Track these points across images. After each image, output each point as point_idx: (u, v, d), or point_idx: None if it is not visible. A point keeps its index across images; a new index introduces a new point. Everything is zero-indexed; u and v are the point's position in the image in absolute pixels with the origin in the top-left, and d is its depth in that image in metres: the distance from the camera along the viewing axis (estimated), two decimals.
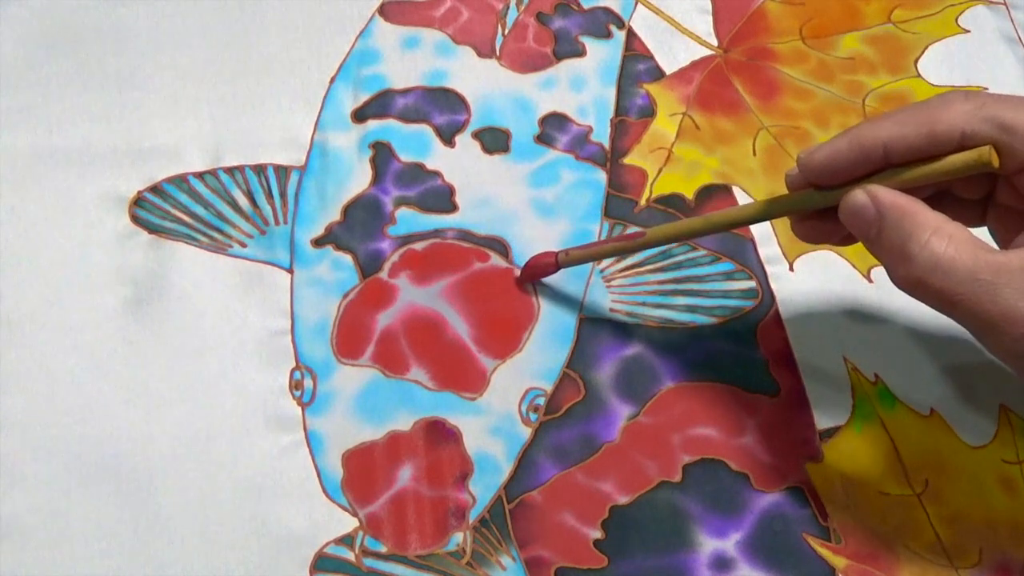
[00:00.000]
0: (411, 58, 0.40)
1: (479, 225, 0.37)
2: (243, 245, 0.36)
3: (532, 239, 0.37)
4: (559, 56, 0.41)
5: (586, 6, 0.42)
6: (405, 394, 0.34)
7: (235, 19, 0.40)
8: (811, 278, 0.37)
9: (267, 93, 0.39)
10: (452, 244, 0.37)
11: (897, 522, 0.33)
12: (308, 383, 0.34)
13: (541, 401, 0.35)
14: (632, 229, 0.37)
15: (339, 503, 0.33)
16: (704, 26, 0.42)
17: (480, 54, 0.40)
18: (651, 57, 0.41)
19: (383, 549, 0.32)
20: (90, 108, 0.38)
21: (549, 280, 0.36)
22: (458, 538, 0.32)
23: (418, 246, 0.36)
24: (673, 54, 0.41)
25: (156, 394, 0.34)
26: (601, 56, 0.41)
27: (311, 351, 0.35)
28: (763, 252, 0.37)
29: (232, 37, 0.40)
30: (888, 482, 0.34)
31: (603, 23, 0.42)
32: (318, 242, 0.36)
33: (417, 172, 0.38)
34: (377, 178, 0.37)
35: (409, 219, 0.37)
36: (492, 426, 0.34)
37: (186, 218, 0.36)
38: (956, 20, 0.43)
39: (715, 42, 0.42)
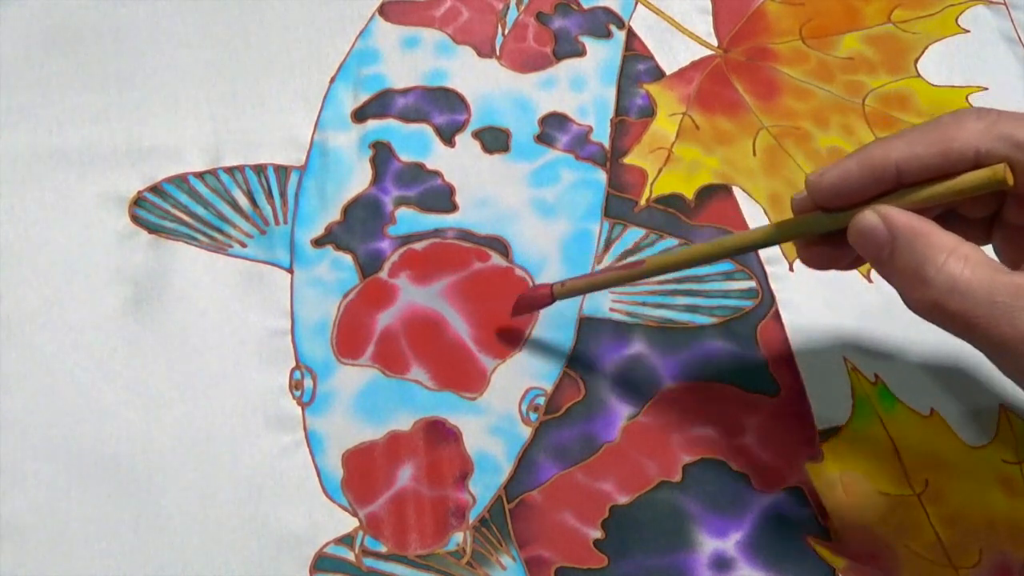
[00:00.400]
0: (411, 58, 0.40)
1: (479, 225, 0.37)
2: (243, 245, 0.36)
3: (532, 239, 0.37)
4: (559, 56, 0.41)
5: (586, 6, 0.42)
6: (405, 394, 0.34)
7: (235, 19, 0.40)
8: (811, 278, 0.37)
9: (267, 93, 0.39)
10: (452, 244, 0.37)
11: (897, 522, 0.33)
12: (308, 383, 0.34)
13: (541, 401, 0.35)
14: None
15: (339, 503, 0.33)
16: (704, 26, 0.42)
17: (480, 54, 0.40)
18: (651, 57, 0.41)
19: (383, 549, 0.32)
20: (90, 108, 0.38)
21: (548, 279, 0.36)
22: (458, 538, 0.32)
23: (418, 246, 0.36)
24: (673, 54, 0.41)
25: (156, 394, 0.34)
26: (601, 56, 0.41)
27: (311, 351, 0.35)
28: (763, 252, 0.37)
29: (232, 37, 0.40)
30: (888, 482, 0.34)
31: (603, 23, 0.42)
32: (318, 242, 0.36)
33: (417, 172, 0.38)
34: (377, 178, 0.37)
35: (409, 219, 0.37)
36: (492, 426, 0.34)
37: (186, 218, 0.36)
38: (956, 20, 0.43)
39: (715, 42, 0.42)
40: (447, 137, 0.39)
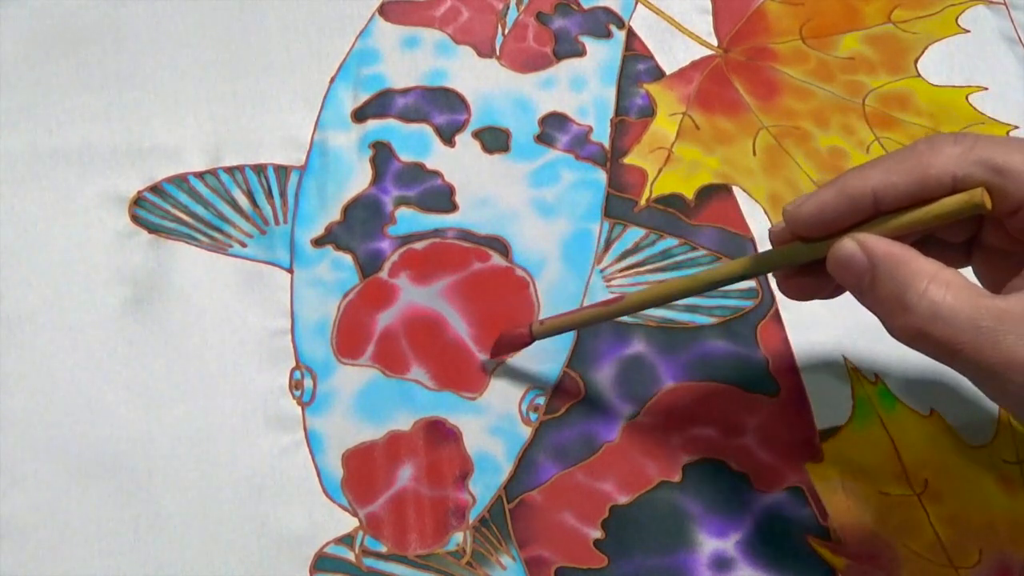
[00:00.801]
0: (411, 58, 0.40)
1: (479, 225, 0.37)
2: (243, 245, 0.36)
3: (532, 239, 0.37)
4: (559, 56, 0.41)
5: (586, 6, 0.42)
6: (405, 394, 0.34)
7: (235, 19, 0.40)
8: None
9: (267, 93, 0.39)
10: (452, 244, 0.37)
11: (897, 522, 0.33)
12: (308, 383, 0.34)
13: (541, 401, 0.35)
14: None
15: (339, 503, 0.33)
16: (704, 26, 0.42)
17: (480, 54, 0.40)
18: (651, 57, 0.41)
19: (383, 549, 0.32)
20: (90, 108, 0.38)
21: (549, 280, 0.36)
22: (458, 538, 0.32)
23: (418, 246, 0.36)
24: (673, 54, 0.41)
25: (156, 394, 0.34)
26: (601, 56, 0.41)
27: (311, 351, 0.35)
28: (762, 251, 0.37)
29: (232, 37, 0.40)
30: (888, 482, 0.34)
31: (603, 23, 0.42)
32: (318, 242, 0.36)
33: (417, 172, 0.38)
34: (377, 178, 0.37)
35: (409, 219, 0.37)
36: (492, 426, 0.34)
37: (186, 218, 0.36)
38: (956, 20, 0.43)
39: (715, 42, 0.42)
40: (447, 137, 0.39)
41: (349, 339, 0.35)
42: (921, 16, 0.43)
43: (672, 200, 0.38)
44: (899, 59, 0.42)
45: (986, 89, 0.41)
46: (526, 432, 0.34)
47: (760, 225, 0.38)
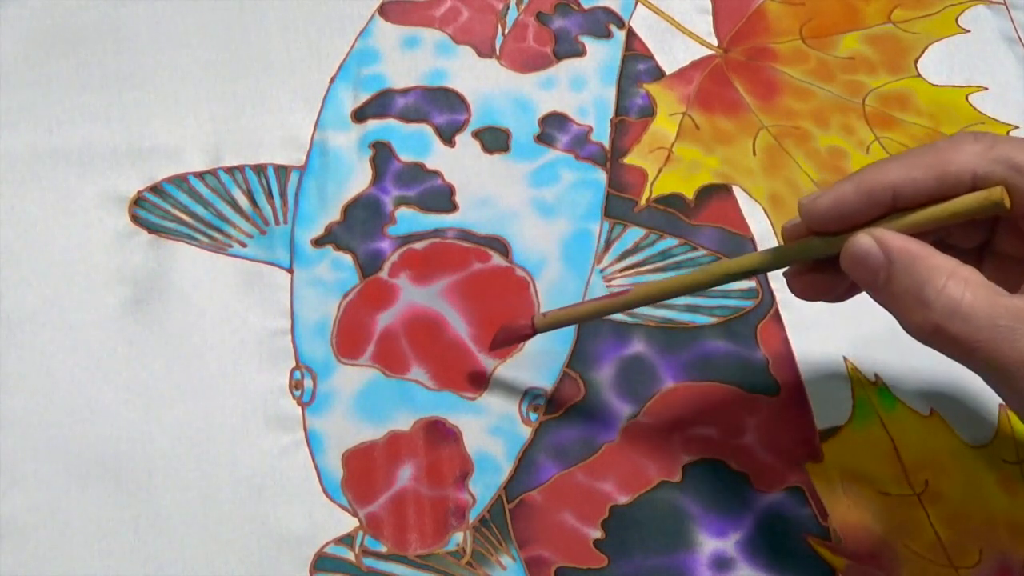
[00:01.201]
0: (411, 58, 0.40)
1: (479, 225, 0.37)
2: (243, 245, 0.36)
3: (532, 239, 0.37)
4: (559, 56, 0.41)
5: (586, 6, 0.42)
6: (405, 394, 0.34)
7: (235, 19, 0.40)
8: None
9: (267, 93, 0.39)
10: (452, 244, 0.37)
11: (897, 522, 0.33)
12: (308, 383, 0.34)
13: (541, 401, 0.35)
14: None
15: (339, 503, 0.33)
16: (704, 26, 0.42)
17: (480, 54, 0.40)
18: (651, 57, 0.41)
19: (383, 549, 0.32)
20: (90, 108, 0.38)
21: (549, 280, 0.36)
22: (458, 538, 0.32)
23: (418, 246, 0.36)
24: (673, 54, 0.41)
25: (156, 394, 0.34)
26: (601, 56, 0.41)
27: (311, 351, 0.35)
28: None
29: (232, 37, 0.40)
30: (888, 482, 0.34)
31: (603, 23, 0.42)
32: (318, 242, 0.36)
33: (417, 172, 0.38)
34: (377, 178, 0.37)
35: (409, 219, 0.37)
36: (492, 426, 0.34)
37: (186, 218, 0.36)
38: (956, 20, 0.43)
39: (715, 42, 0.42)
40: (447, 137, 0.39)
41: (349, 339, 0.35)
42: (921, 16, 0.43)
43: (672, 200, 0.38)
44: (899, 59, 0.42)
45: (986, 89, 0.41)
46: (526, 432, 0.34)
47: (760, 225, 0.38)
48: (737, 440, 0.34)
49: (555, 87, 0.40)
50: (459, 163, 0.38)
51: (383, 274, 0.36)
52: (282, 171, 0.37)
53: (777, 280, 0.37)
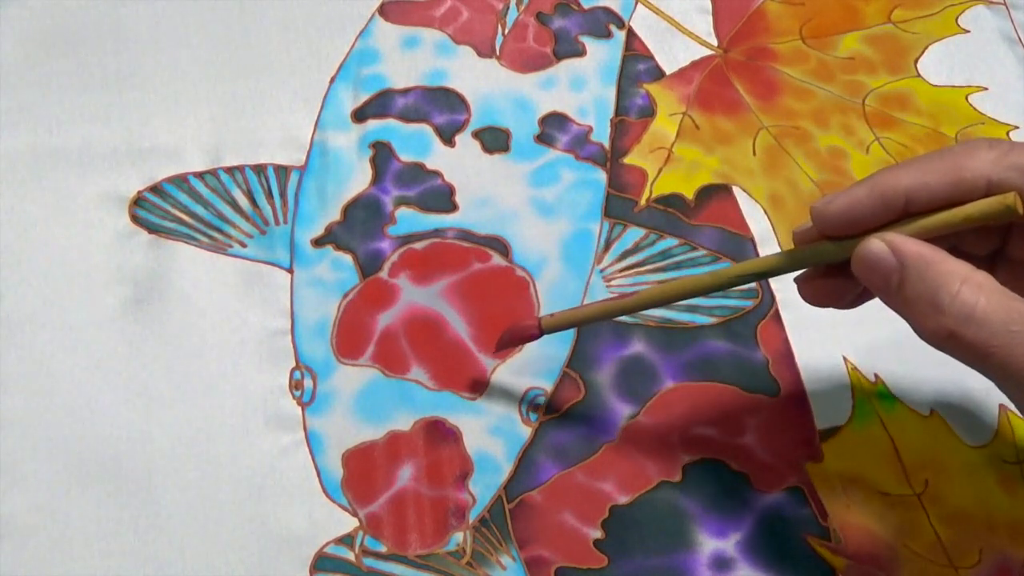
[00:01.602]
0: (411, 58, 0.40)
1: (479, 225, 0.37)
2: (243, 245, 0.36)
3: (532, 239, 0.37)
4: (559, 56, 0.41)
5: (586, 6, 0.42)
6: (405, 394, 0.34)
7: (235, 19, 0.40)
8: None
9: (267, 93, 0.39)
10: (452, 244, 0.37)
11: (897, 522, 0.33)
12: (308, 383, 0.34)
13: (541, 401, 0.35)
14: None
15: (339, 503, 0.33)
16: (704, 26, 0.42)
17: (480, 54, 0.40)
18: (651, 57, 0.41)
19: (383, 549, 0.32)
20: (90, 108, 0.38)
21: (549, 280, 0.36)
22: (458, 538, 0.32)
23: (418, 246, 0.36)
24: (673, 54, 0.41)
25: (156, 394, 0.34)
26: (601, 56, 0.41)
27: (311, 351, 0.35)
28: (763, 252, 0.37)
29: (232, 37, 0.40)
30: (888, 482, 0.34)
31: (603, 23, 0.42)
32: (318, 242, 0.36)
33: (417, 172, 0.38)
34: (377, 178, 0.37)
35: (409, 219, 0.37)
36: (492, 426, 0.34)
37: (186, 218, 0.36)
38: (956, 20, 0.43)
39: (715, 42, 0.42)
40: (447, 137, 0.39)
41: (349, 339, 0.35)
42: (921, 16, 0.43)
43: (672, 200, 0.38)
44: (899, 59, 0.42)
45: (986, 89, 0.41)
46: (526, 432, 0.34)
47: (760, 225, 0.38)
48: (737, 440, 0.34)
49: (555, 87, 0.40)
50: (459, 163, 0.38)
51: (383, 274, 0.36)
52: (282, 171, 0.37)
53: (777, 280, 0.37)
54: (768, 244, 0.37)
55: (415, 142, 0.38)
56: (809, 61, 0.41)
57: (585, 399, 0.35)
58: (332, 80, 0.39)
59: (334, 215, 0.37)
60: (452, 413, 0.34)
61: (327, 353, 0.35)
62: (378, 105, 0.39)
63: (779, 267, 0.29)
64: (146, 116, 0.38)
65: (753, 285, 0.37)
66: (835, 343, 0.36)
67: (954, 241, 0.28)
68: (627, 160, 0.39)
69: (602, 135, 0.39)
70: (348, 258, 0.36)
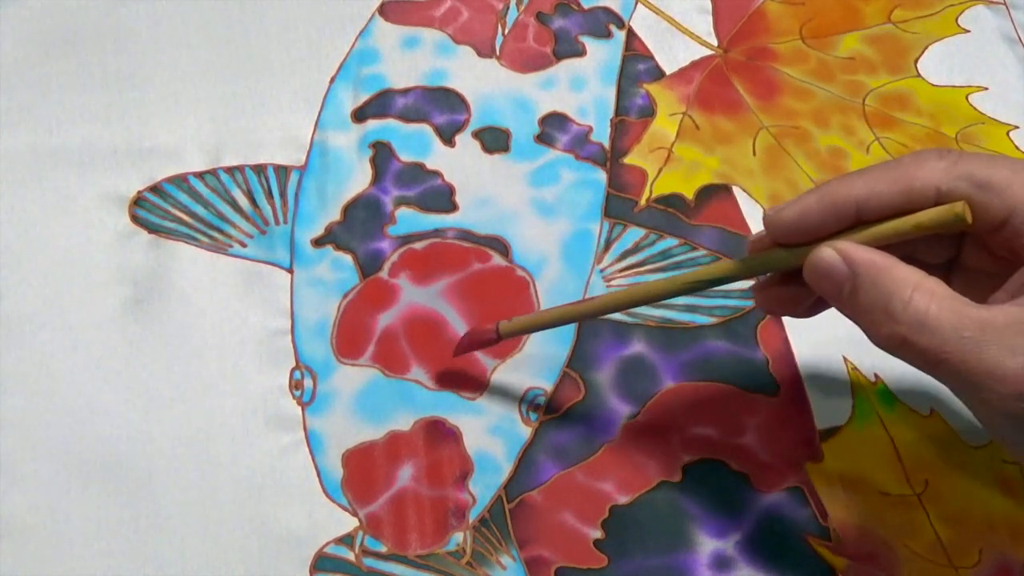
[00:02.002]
0: (411, 58, 0.40)
1: (479, 225, 0.37)
2: (243, 245, 0.36)
3: (532, 239, 0.37)
4: (559, 56, 0.41)
5: (586, 6, 0.42)
6: (405, 394, 0.34)
7: (235, 19, 0.40)
8: None
9: (267, 93, 0.39)
10: (452, 244, 0.37)
11: (897, 522, 0.33)
12: (308, 383, 0.34)
13: (541, 401, 0.35)
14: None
15: (339, 503, 0.33)
16: (704, 26, 0.42)
17: (480, 54, 0.40)
18: (651, 57, 0.41)
19: (383, 549, 0.32)
20: (90, 108, 0.38)
21: (549, 280, 0.36)
22: (458, 538, 0.32)
23: (418, 246, 0.36)
24: (673, 54, 0.41)
25: (156, 394, 0.34)
26: (601, 56, 0.41)
27: (311, 351, 0.35)
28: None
29: (232, 37, 0.40)
30: (888, 482, 0.34)
31: (603, 23, 0.42)
32: (318, 242, 0.36)
33: (417, 172, 0.38)
34: (377, 178, 0.37)
35: (409, 219, 0.37)
36: (492, 426, 0.34)
37: (186, 218, 0.36)
38: (956, 20, 0.43)
39: (715, 42, 0.42)
40: (447, 137, 0.39)
41: (349, 339, 0.35)
42: (921, 16, 0.43)
43: (672, 200, 0.38)
44: (899, 59, 0.42)
45: (986, 89, 0.41)
46: (526, 432, 0.34)
47: (760, 226, 0.38)
48: (737, 440, 0.34)
49: (555, 87, 0.40)
50: (459, 163, 0.38)
51: (383, 274, 0.36)
52: (282, 171, 0.37)
53: None
54: None
55: (415, 142, 0.38)
56: (809, 61, 0.41)
57: (585, 399, 0.35)
58: (332, 80, 0.39)
59: (334, 215, 0.37)
60: (452, 413, 0.34)
61: (327, 353, 0.35)
62: (378, 105, 0.39)
63: (733, 274, 0.29)
64: (146, 116, 0.38)
65: (753, 284, 0.37)
66: (835, 343, 0.36)
67: (909, 250, 0.28)
68: (627, 160, 0.39)
69: (602, 135, 0.39)
70: (348, 258, 0.36)
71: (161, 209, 0.36)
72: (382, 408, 0.34)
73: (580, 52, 0.41)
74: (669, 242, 0.37)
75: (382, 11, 0.41)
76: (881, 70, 0.41)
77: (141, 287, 0.35)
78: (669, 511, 0.33)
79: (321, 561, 0.32)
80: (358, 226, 0.37)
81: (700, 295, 0.36)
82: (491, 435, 0.34)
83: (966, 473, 0.34)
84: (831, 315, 0.36)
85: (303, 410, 0.34)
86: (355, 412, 0.34)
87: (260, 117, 0.38)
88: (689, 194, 0.38)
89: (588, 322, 0.35)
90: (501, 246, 0.37)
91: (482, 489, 0.33)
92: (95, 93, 0.38)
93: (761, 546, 0.33)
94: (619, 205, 0.38)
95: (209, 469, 0.33)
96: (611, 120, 0.40)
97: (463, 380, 0.35)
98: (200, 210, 0.36)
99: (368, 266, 0.36)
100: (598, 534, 0.33)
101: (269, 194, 0.37)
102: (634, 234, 0.37)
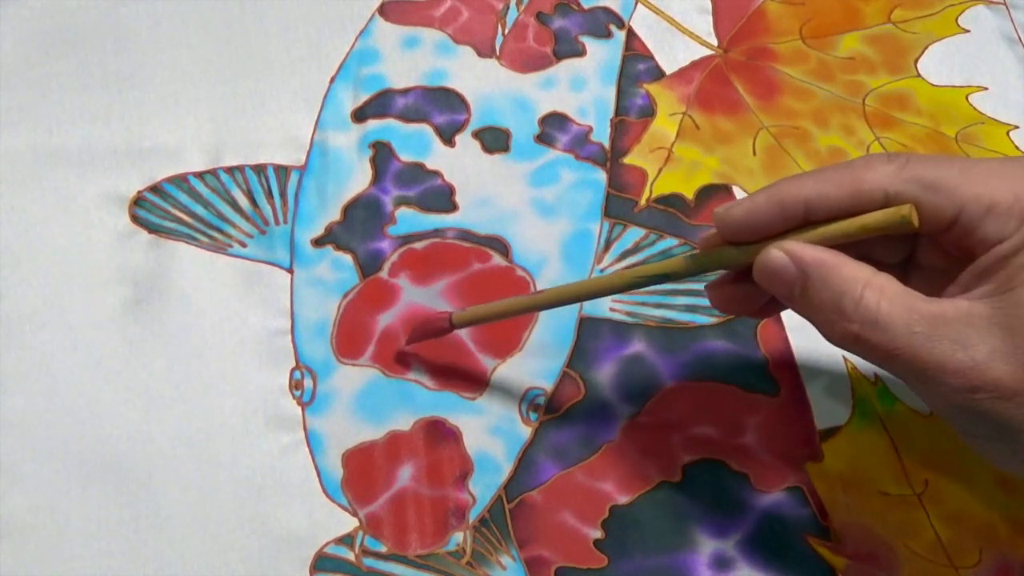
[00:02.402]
0: (411, 58, 0.40)
1: (479, 225, 0.37)
2: (243, 245, 0.36)
3: (532, 239, 0.37)
4: (559, 56, 0.41)
5: (586, 6, 0.42)
6: (405, 394, 0.34)
7: (235, 19, 0.40)
8: None
9: (267, 93, 0.39)
10: (452, 244, 0.37)
11: (897, 522, 0.33)
12: (308, 383, 0.34)
13: (541, 401, 0.35)
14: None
15: (339, 503, 0.33)
16: (704, 26, 0.42)
17: (480, 54, 0.40)
18: (651, 57, 0.41)
19: (383, 549, 0.32)
20: (90, 108, 0.38)
21: (549, 280, 0.36)
22: (458, 538, 0.32)
23: (418, 246, 0.36)
24: (673, 54, 0.41)
25: (156, 394, 0.34)
26: (601, 56, 0.41)
27: (311, 351, 0.35)
28: None
29: (232, 37, 0.40)
30: (888, 482, 0.34)
31: (603, 23, 0.42)
32: (318, 242, 0.36)
33: (417, 172, 0.38)
34: (377, 178, 0.37)
35: (409, 219, 0.37)
36: (492, 426, 0.34)
37: (186, 218, 0.36)
38: (956, 20, 0.43)
39: (715, 42, 0.42)
40: (447, 137, 0.39)
41: (349, 339, 0.35)
42: (921, 16, 0.43)
43: (672, 200, 0.38)
44: (899, 59, 0.42)
45: (986, 89, 0.41)
46: (526, 432, 0.34)
47: None
48: (737, 440, 0.34)
49: (555, 87, 0.40)
50: (459, 163, 0.38)
51: (383, 274, 0.36)
52: (282, 171, 0.37)
53: None
54: None
55: (415, 142, 0.38)
56: (809, 61, 0.41)
57: (585, 399, 0.35)
58: (332, 80, 0.39)
59: (334, 215, 0.37)
60: (452, 413, 0.34)
61: (327, 353, 0.35)
62: (378, 105, 0.39)
63: (683, 270, 0.29)
64: (146, 116, 0.38)
65: None
66: None
67: (865, 250, 0.28)
68: (627, 160, 0.39)
69: (602, 135, 0.39)
70: (348, 258, 0.36)
71: (161, 209, 0.36)
72: (382, 408, 0.34)
73: (580, 52, 0.41)
74: (669, 242, 0.37)
75: (382, 11, 0.41)
76: (881, 70, 0.41)
77: (141, 287, 0.35)
78: (669, 511, 0.33)
79: (321, 561, 0.32)
80: (358, 226, 0.37)
81: (701, 295, 0.36)
82: (491, 435, 0.34)
83: (966, 473, 0.34)
84: None
85: (303, 410, 0.34)
86: (355, 412, 0.34)
87: (260, 117, 0.38)
88: (689, 194, 0.38)
89: (588, 322, 0.35)
90: (501, 246, 0.37)
91: (482, 489, 0.33)
92: (95, 93, 0.38)
93: (761, 546, 0.33)
94: (619, 205, 0.38)
95: (209, 469, 0.33)
96: (611, 120, 0.40)
97: (463, 380, 0.35)
98: (200, 210, 0.36)
99: (368, 266, 0.36)
100: (598, 534, 0.33)
101: (269, 194, 0.37)
102: (634, 234, 0.37)
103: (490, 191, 0.38)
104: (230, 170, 0.37)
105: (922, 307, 0.25)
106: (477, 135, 0.39)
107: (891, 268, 0.28)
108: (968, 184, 0.25)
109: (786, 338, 0.36)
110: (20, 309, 0.34)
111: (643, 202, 0.38)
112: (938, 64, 0.42)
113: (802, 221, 0.26)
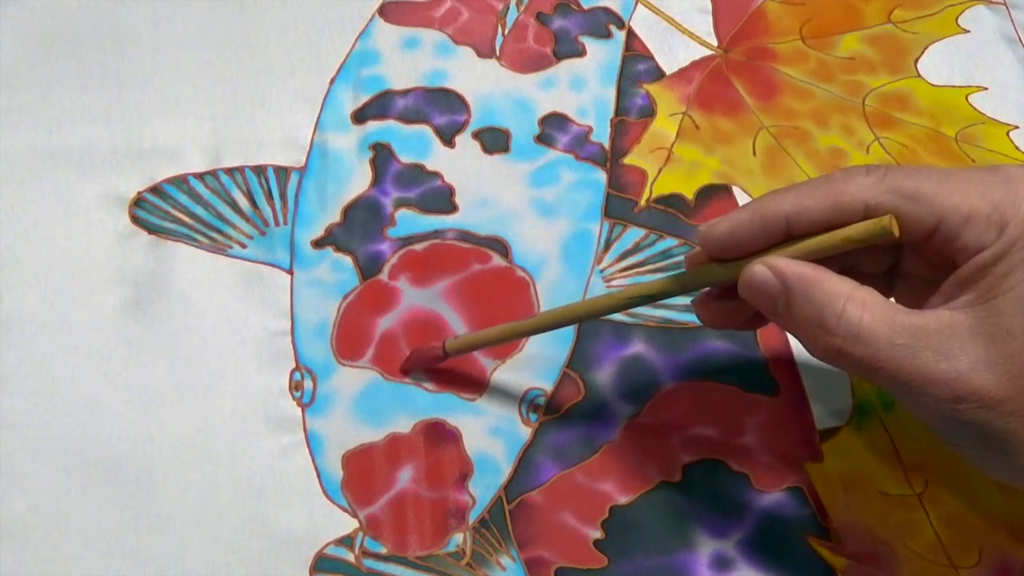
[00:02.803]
0: (411, 58, 0.40)
1: (479, 225, 0.37)
2: (243, 246, 0.36)
3: (532, 239, 0.37)
4: (559, 56, 0.41)
5: (586, 6, 0.42)
6: (405, 396, 0.34)
7: (235, 19, 0.40)
8: None
9: (267, 93, 0.39)
10: (452, 245, 0.37)
11: (897, 522, 0.33)
12: (308, 384, 0.34)
13: (541, 401, 0.35)
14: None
15: (339, 504, 0.33)
16: (704, 26, 0.42)
17: (480, 54, 0.40)
18: (651, 57, 0.41)
19: (383, 550, 0.32)
20: (90, 108, 0.38)
21: (549, 280, 0.36)
22: (458, 539, 0.32)
23: (418, 247, 0.36)
24: (673, 54, 0.41)
25: (156, 394, 0.34)
26: (601, 56, 0.41)
27: (311, 352, 0.35)
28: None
29: (232, 37, 0.40)
30: (888, 482, 0.34)
31: (603, 23, 0.42)
32: (318, 243, 0.36)
33: (417, 173, 0.38)
34: (377, 179, 0.37)
35: (409, 220, 0.37)
36: (492, 426, 0.34)
37: (186, 219, 0.36)
38: (956, 20, 0.43)
39: (715, 42, 0.42)
40: (447, 138, 0.39)
41: (349, 340, 0.35)
42: (921, 16, 0.43)
43: (672, 200, 0.38)
44: (899, 59, 0.42)
45: (986, 89, 0.41)
46: (526, 432, 0.34)
47: None
48: (737, 440, 0.34)
49: (555, 87, 0.40)
50: (459, 164, 0.38)
51: (383, 276, 0.36)
52: (282, 172, 0.37)
53: None
54: None
55: (415, 143, 0.38)
56: (809, 61, 0.41)
57: (585, 399, 0.35)
58: (332, 81, 0.39)
59: (334, 216, 0.37)
60: (452, 414, 0.34)
61: (327, 354, 0.35)
62: (378, 106, 0.39)
63: (670, 290, 0.29)
64: (146, 116, 0.38)
65: None
66: None
67: (849, 261, 0.28)
68: (627, 160, 0.39)
69: (602, 135, 0.39)
70: (348, 259, 0.36)
71: (161, 210, 0.36)
72: (382, 410, 0.34)
73: (580, 52, 0.41)
74: (669, 242, 0.37)
75: (382, 12, 0.41)
76: (881, 70, 0.41)
77: (141, 287, 0.35)
78: (669, 511, 0.33)
79: (321, 562, 0.32)
80: (358, 227, 0.37)
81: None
82: (491, 436, 0.34)
83: (966, 473, 0.34)
84: None
85: (303, 411, 0.34)
86: (355, 413, 0.34)
87: (260, 118, 0.38)
88: (689, 194, 0.38)
89: (588, 322, 0.35)
90: (501, 247, 0.37)
91: (482, 490, 0.33)
92: (95, 93, 0.38)
93: (761, 546, 0.33)
94: (619, 205, 0.38)
95: (209, 469, 0.33)
96: (611, 120, 0.40)
97: (463, 381, 0.35)
98: (200, 211, 0.36)
99: (368, 268, 0.36)
100: (598, 534, 0.33)
101: (269, 195, 0.37)
102: (634, 234, 0.37)
103: (490, 192, 0.38)
104: (230, 171, 0.37)
105: (904, 319, 0.25)
106: (477, 136, 0.39)
107: (876, 278, 0.29)
108: (947, 194, 0.25)
109: (786, 338, 0.36)
110: (20, 309, 0.34)
111: (643, 202, 0.38)
112: (938, 64, 0.42)
113: (784, 236, 0.27)
